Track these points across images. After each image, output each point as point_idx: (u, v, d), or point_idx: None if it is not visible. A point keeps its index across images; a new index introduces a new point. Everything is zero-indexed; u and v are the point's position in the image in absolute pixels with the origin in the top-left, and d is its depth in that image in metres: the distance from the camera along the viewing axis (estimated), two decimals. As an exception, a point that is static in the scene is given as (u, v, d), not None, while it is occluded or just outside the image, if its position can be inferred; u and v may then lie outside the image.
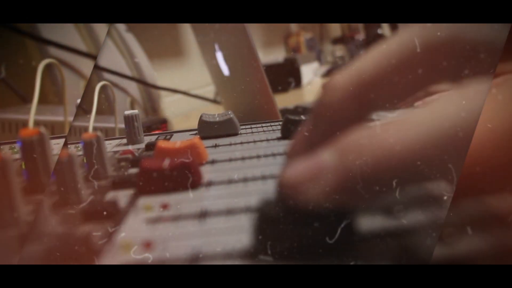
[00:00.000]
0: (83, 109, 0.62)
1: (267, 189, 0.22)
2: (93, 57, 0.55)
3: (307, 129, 0.20)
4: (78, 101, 0.39)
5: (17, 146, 0.28)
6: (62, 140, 0.37)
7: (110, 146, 0.37)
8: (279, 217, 0.16)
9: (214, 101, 0.86)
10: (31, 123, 0.25)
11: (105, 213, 0.20)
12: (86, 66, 0.55)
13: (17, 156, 0.24)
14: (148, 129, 0.54)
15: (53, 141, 0.35)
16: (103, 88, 0.36)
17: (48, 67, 0.29)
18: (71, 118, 0.44)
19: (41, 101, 0.28)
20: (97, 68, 0.66)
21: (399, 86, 0.19)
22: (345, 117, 0.19)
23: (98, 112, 0.34)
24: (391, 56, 0.19)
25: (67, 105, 0.42)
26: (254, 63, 0.50)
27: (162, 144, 0.28)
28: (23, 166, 0.23)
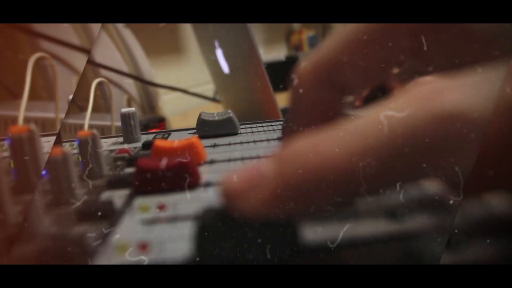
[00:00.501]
0: (78, 106, 0.62)
1: None
2: (87, 51, 0.55)
3: (289, 124, 0.20)
4: (70, 97, 0.39)
5: (5, 143, 0.28)
6: (53, 138, 0.36)
7: (106, 144, 0.37)
8: (279, 219, 0.16)
9: (213, 99, 0.85)
10: (20, 120, 0.24)
11: (99, 213, 0.20)
12: (79, 61, 0.54)
13: (6, 154, 0.24)
14: (145, 128, 0.54)
15: (44, 139, 0.34)
16: (99, 84, 0.36)
17: (39, 61, 0.29)
18: (62, 115, 0.44)
19: (32, 97, 0.28)
20: (93, 64, 0.66)
21: (365, 67, 0.19)
22: (320, 105, 0.20)
23: (94, 110, 0.34)
24: (352, 37, 0.19)
25: (59, 102, 0.42)
26: (255, 60, 0.50)
27: (160, 143, 0.28)
28: (12, 165, 0.23)
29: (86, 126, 0.31)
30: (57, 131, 0.39)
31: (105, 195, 0.24)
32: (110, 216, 0.20)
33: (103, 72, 0.67)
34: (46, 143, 0.34)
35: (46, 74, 0.46)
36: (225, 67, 0.60)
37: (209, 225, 0.16)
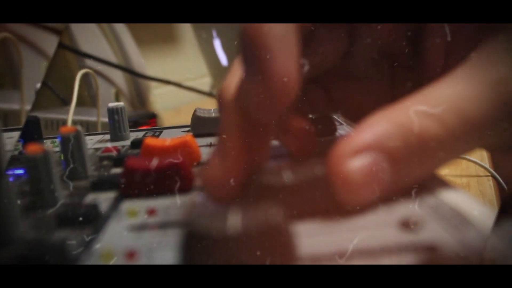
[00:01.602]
0: (61, 100, 0.62)
1: (267, 195, 0.22)
2: (58, 32, 0.53)
3: None
4: (38, 86, 0.38)
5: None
6: (17, 133, 0.36)
7: (91, 142, 0.37)
8: (280, 228, 0.16)
9: (210, 94, 0.85)
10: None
11: (81, 218, 0.20)
12: (49, 43, 0.52)
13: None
14: (135, 124, 0.54)
15: (7, 134, 0.34)
16: (84, 76, 0.36)
17: (3, 43, 0.28)
18: (28, 107, 0.43)
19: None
20: (78, 53, 0.66)
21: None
22: None
23: (79, 104, 0.34)
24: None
25: (25, 91, 0.41)
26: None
27: (150, 141, 0.28)
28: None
29: (69, 122, 0.31)
30: (21, 125, 0.38)
31: (89, 198, 0.24)
32: (93, 221, 0.20)
33: (89, 62, 0.67)
34: (9, 139, 0.34)
35: (11, 58, 0.45)
36: (223, 59, 0.60)
37: (203, 233, 0.16)
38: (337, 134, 0.33)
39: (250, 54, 0.19)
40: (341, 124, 0.36)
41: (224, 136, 0.21)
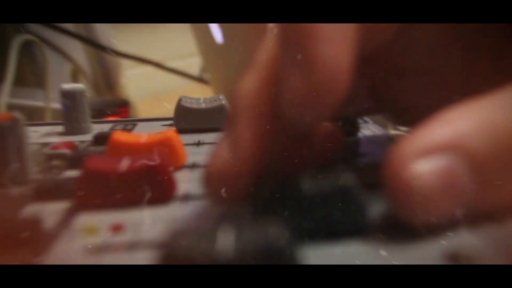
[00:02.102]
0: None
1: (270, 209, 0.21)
2: None
3: None
4: None
5: None
6: None
7: (37, 135, 0.37)
8: (284, 253, 0.16)
9: (199, 79, 0.86)
10: None
11: (22, 235, 0.20)
12: None
13: None
14: (100, 114, 0.54)
15: None
16: (26, 46, 0.36)
17: None
18: None
19: None
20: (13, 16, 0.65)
21: None
22: None
23: (19, 83, 0.34)
24: None
25: None
26: (258, 27, 0.50)
27: (120, 136, 0.28)
28: None
29: (1, 106, 0.30)
30: None
31: (31, 209, 0.24)
32: (37, 239, 0.20)
33: (34, 27, 0.66)
34: None
35: None
36: (217, 35, 0.60)
37: (184, 257, 0.16)
38: (359, 134, 0.34)
39: (294, 42, 0.19)
40: (366, 122, 0.36)
41: (237, 134, 0.21)
